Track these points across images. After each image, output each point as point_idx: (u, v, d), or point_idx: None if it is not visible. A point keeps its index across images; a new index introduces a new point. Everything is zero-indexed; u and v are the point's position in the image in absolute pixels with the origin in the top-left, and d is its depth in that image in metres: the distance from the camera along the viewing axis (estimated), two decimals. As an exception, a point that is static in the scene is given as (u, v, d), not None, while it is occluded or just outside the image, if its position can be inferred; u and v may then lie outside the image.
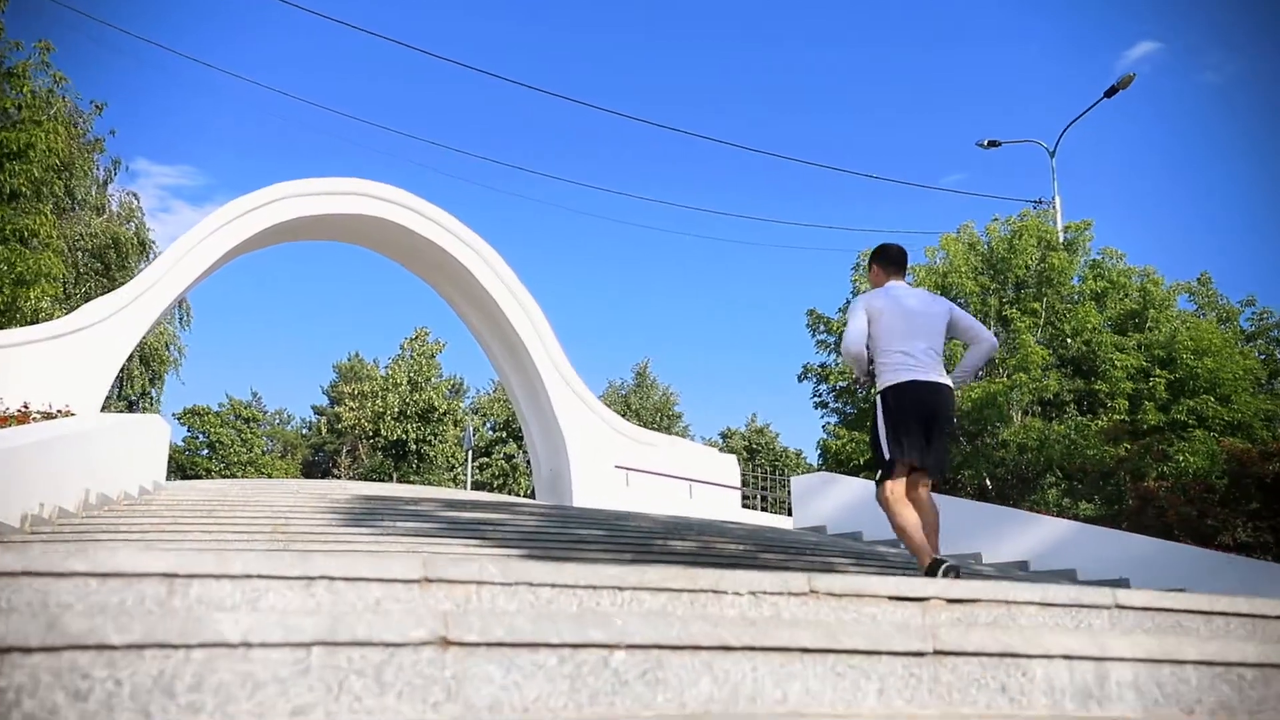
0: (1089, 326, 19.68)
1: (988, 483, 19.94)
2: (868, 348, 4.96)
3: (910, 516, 4.79)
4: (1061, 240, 21.11)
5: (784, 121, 69.37)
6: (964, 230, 21.07)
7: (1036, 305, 19.88)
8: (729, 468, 18.72)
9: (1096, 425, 18.35)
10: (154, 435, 8.59)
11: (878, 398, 5.00)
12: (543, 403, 18.30)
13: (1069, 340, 20.03)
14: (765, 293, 71.96)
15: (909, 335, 4.91)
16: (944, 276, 20.04)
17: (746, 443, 43.89)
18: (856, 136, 69.71)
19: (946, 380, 4.95)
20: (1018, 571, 8.31)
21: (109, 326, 14.10)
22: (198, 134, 65.95)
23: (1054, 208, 23.00)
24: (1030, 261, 20.10)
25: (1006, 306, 20.21)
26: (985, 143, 25.59)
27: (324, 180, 16.75)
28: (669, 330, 70.17)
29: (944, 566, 4.52)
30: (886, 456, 4.88)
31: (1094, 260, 21.63)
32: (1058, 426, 18.77)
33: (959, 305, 19.94)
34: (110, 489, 7.24)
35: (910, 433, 4.82)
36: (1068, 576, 8.09)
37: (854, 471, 21.19)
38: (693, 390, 77.53)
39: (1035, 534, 8.81)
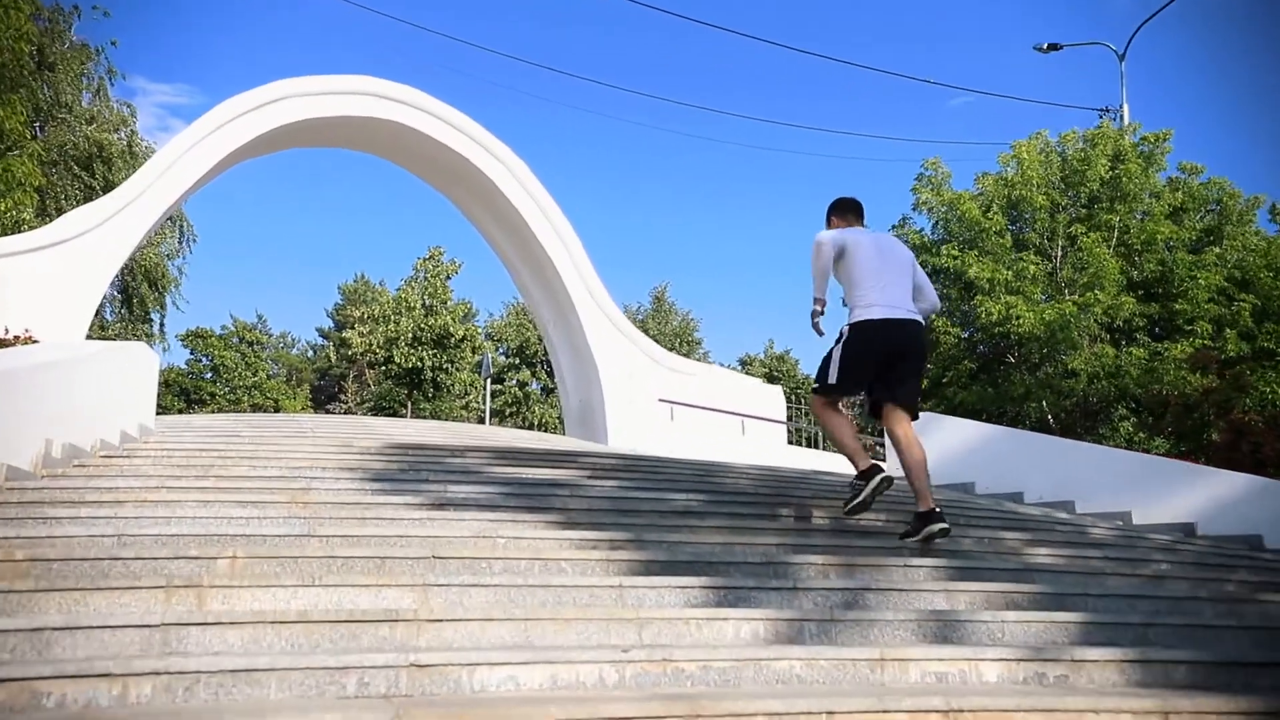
0: (1162, 241, 17.94)
1: (1049, 417, 18.49)
2: (839, 284, 5.01)
3: (841, 422, 5.14)
4: (1136, 152, 19.25)
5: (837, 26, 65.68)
6: (1037, 139, 19.21)
7: (1110, 217, 18.13)
8: (774, 400, 17.22)
9: (1177, 350, 16.79)
10: (139, 367, 7.06)
11: (845, 328, 4.97)
12: (573, 328, 16.73)
13: (1141, 257, 18.32)
14: (794, 211, 69.76)
15: (882, 270, 4.94)
16: (1012, 188, 18.25)
17: (766, 370, 42.45)
18: (912, 51, 66.30)
19: (917, 315, 4.98)
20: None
21: (92, 240, 12.50)
22: (199, 53, 63.28)
23: (1123, 117, 21.10)
24: (1104, 173, 18.30)
25: (1076, 224, 18.47)
26: (1045, 46, 23.53)
27: (330, 78, 14.93)
28: (685, 254, 68.30)
29: (938, 528, 4.64)
30: (831, 381, 4.96)
31: (1171, 176, 19.81)
32: (1136, 351, 17.20)
33: (1024, 221, 18.25)
34: (83, 437, 5.74)
35: (863, 371, 4.91)
36: None
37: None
38: (708, 316, 75.83)
39: (1201, 489, 7.33)
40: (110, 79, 28.06)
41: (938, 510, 4.79)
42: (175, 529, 4.04)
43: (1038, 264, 17.66)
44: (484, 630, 3.03)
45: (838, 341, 5.03)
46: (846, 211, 5.32)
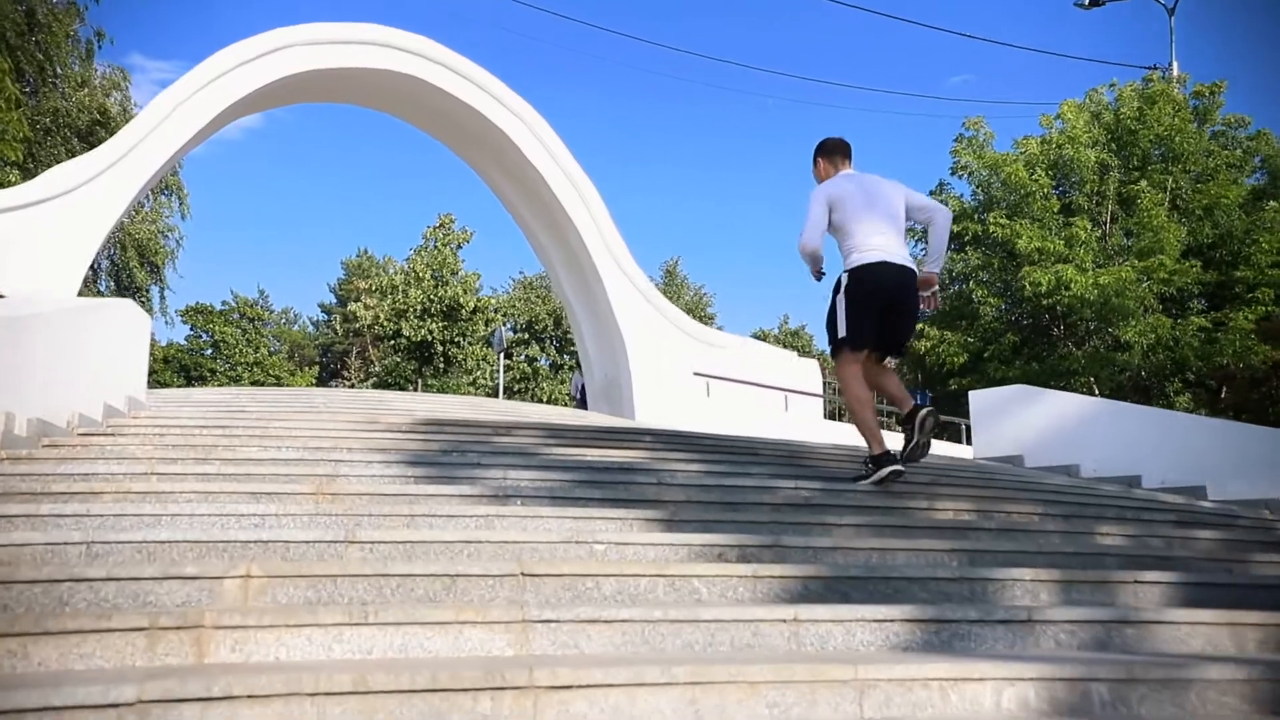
0: (1227, 205, 16.80)
1: (1096, 391, 17.42)
2: (832, 236, 4.96)
3: (864, 394, 4.88)
4: (1188, 106, 18.09)
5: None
6: (1090, 98, 18.03)
7: (1165, 179, 17.00)
8: (811, 373, 16.16)
9: (1241, 319, 15.70)
10: (127, 329, 5.98)
11: (843, 276, 4.89)
12: (597, 297, 15.63)
13: (1197, 221, 17.18)
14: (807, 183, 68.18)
15: (874, 217, 4.87)
16: (1059, 148, 17.11)
17: (780, 345, 41.38)
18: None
19: (912, 264, 4.92)
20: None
21: (81, 197, 11.39)
22: (197, 28, 61.67)
23: (1171, 75, 19.94)
24: (1159, 131, 17.14)
25: (1127, 185, 17.33)
26: (1086, 2, 22.33)
27: (336, 26, 13.76)
28: (696, 227, 66.95)
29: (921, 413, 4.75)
30: (841, 335, 4.86)
31: (1218, 130, 18.64)
32: (1195, 319, 16.11)
33: (1074, 180, 17.14)
34: (55, 411, 4.70)
35: (869, 317, 4.82)
36: None
37: (945, 379, 18.70)
38: (721, 291, 74.44)
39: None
40: (98, 41, 26.83)
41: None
42: (167, 533, 2.99)
43: (1088, 229, 16.54)
44: (632, 701, 1.99)
45: (836, 292, 4.93)
46: (834, 153, 5.16)
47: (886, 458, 4.71)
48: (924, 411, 4.75)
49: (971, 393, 8.51)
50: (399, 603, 2.56)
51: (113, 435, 4.87)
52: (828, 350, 5.34)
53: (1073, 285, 15.30)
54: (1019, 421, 8.11)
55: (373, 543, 3.05)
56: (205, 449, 4.54)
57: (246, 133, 69.60)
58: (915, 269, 4.90)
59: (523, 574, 2.75)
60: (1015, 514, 4.44)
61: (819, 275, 5.07)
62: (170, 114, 12.28)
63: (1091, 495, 5.54)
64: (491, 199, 16.35)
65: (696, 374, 14.35)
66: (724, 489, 4.46)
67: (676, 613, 2.45)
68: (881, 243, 4.80)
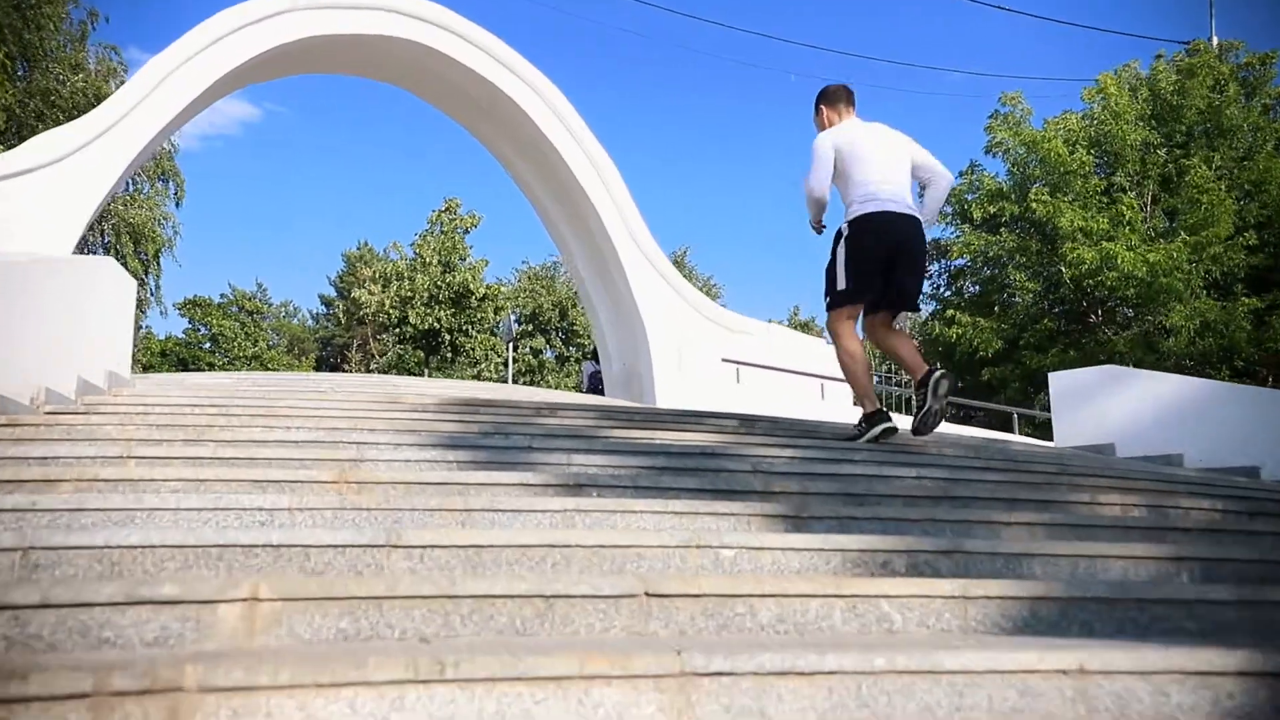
0: (1275, 179, 15.96)
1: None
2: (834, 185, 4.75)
3: (859, 351, 4.76)
4: (1236, 79, 17.24)
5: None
6: (1125, 72, 17.17)
7: (1210, 155, 16.16)
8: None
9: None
10: (109, 293, 5.14)
11: (844, 226, 4.69)
12: (615, 281, 14.78)
13: (1247, 200, 16.34)
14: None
15: (880, 166, 4.67)
16: (1100, 124, 16.25)
17: (790, 337, 40.53)
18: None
19: (918, 213, 4.71)
20: None
21: (70, 167, 10.55)
22: (194, 21, 60.55)
23: (1211, 46, 19.07)
24: (1202, 104, 16.29)
25: (1171, 163, 16.49)
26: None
27: (340, -11, 12.93)
28: (704, 217, 65.99)
29: (934, 377, 4.47)
30: (841, 287, 4.66)
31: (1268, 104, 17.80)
32: (1246, 301, 15.26)
33: (1112, 162, 16.31)
34: (17, 389, 3.87)
35: (870, 270, 4.61)
36: None
37: (977, 368, 17.87)
38: (729, 282, 73.32)
39: None
40: (92, 22, 26.01)
41: (933, 368, 4.62)
42: (140, 534, 2.16)
43: (1134, 208, 15.70)
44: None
45: (837, 242, 4.70)
46: (837, 101, 4.92)
47: (879, 415, 4.57)
48: (938, 374, 4.48)
49: (1052, 375, 7.69)
50: (483, 642, 1.73)
51: (86, 414, 4.03)
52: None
53: (1120, 262, 14.44)
54: (1107, 406, 7.27)
55: (424, 547, 2.21)
56: (198, 429, 3.70)
57: (245, 128, 68.70)
58: (920, 218, 4.68)
59: (646, 594, 1.92)
60: (1195, 511, 3.60)
61: (819, 226, 4.88)
62: (166, 78, 11.42)
63: (1258, 490, 4.70)
64: (493, 193, 15.62)
65: (725, 360, 13.52)
66: (835, 478, 3.62)
67: (905, 659, 1.62)
68: (888, 191, 4.60)
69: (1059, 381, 7.57)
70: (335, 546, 2.17)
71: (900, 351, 4.76)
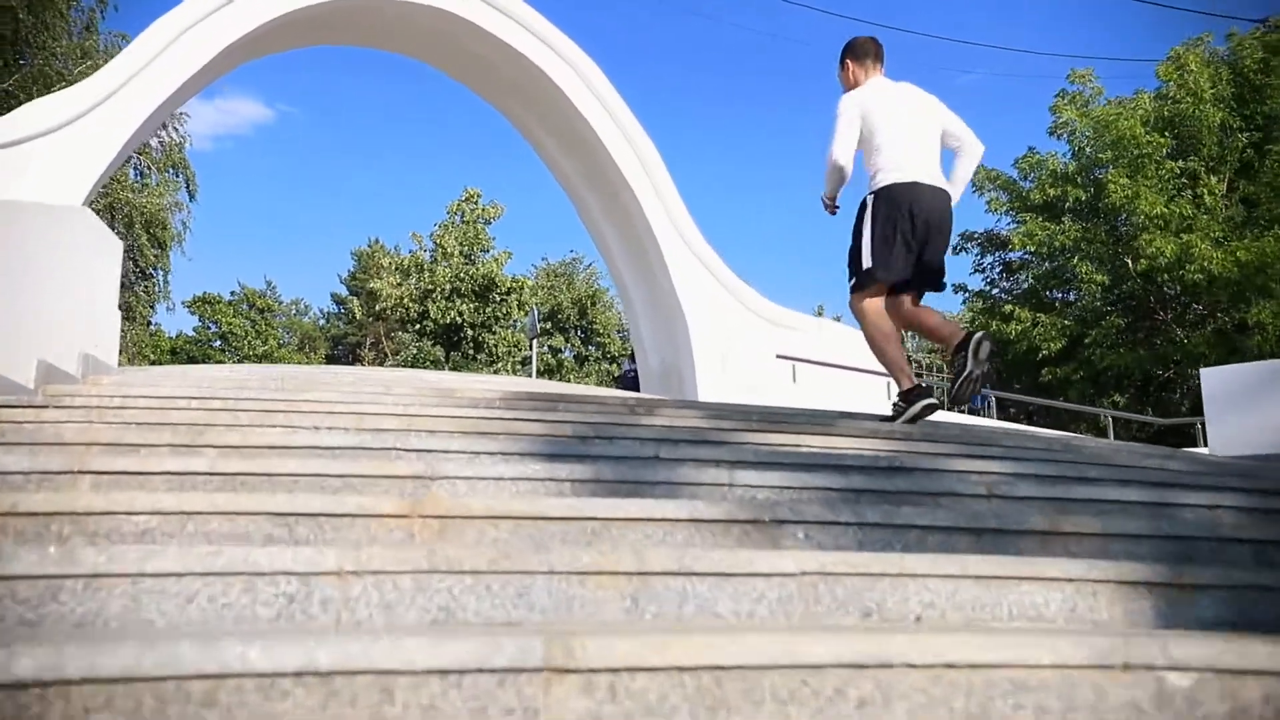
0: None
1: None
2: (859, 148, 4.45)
3: (888, 329, 4.49)
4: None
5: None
6: (1195, 49, 16.00)
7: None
8: (900, 359, 14.24)
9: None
10: (84, 253, 4.05)
11: (869, 198, 4.40)
12: (654, 272, 13.68)
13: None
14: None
15: (909, 132, 4.39)
16: (1176, 104, 15.10)
17: (815, 336, 39.44)
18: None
19: (947, 186, 4.45)
20: None
21: (63, 141, 9.53)
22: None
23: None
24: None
25: (1252, 145, 15.32)
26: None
27: (364, -47, 11.91)
28: (726, 214, 64.92)
29: (975, 339, 4.16)
30: (867, 265, 4.37)
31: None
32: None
33: (1193, 142, 15.14)
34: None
35: (898, 244, 4.30)
36: None
37: (1037, 368, 16.71)
38: (750, 279, 72.14)
39: None
40: (101, 10, 25.10)
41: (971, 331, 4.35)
42: (48, 656, 1.08)
43: (1216, 195, 14.54)
44: None
45: (860, 216, 4.42)
46: (865, 56, 4.59)
47: (918, 391, 4.27)
48: (978, 335, 4.16)
49: (1204, 371, 6.59)
50: None
51: (43, 408, 2.96)
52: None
53: (1206, 261, 13.27)
54: (1272, 410, 6.16)
55: (612, 671, 1.12)
56: (192, 430, 2.61)
57: (256, 129, 68.07)
58: (949, 191, 4.39)
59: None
60: None
61: (833, 205, 4.58)
62: (169, 45, 10.40)
63: None
64: (509, 192, 14.62)
65: (780, 357, 12.44)
66: (1088, 503, 2.53)
67: None
68: (918, 160, 4.32)
69: (1212, 380, 6.47)
70: (441, 672, 1.08)
71: (929, 322, 4.50)
